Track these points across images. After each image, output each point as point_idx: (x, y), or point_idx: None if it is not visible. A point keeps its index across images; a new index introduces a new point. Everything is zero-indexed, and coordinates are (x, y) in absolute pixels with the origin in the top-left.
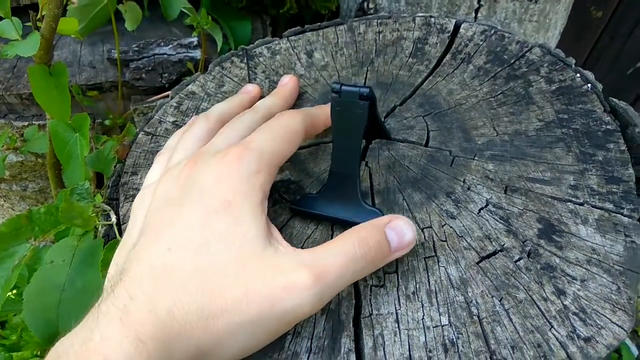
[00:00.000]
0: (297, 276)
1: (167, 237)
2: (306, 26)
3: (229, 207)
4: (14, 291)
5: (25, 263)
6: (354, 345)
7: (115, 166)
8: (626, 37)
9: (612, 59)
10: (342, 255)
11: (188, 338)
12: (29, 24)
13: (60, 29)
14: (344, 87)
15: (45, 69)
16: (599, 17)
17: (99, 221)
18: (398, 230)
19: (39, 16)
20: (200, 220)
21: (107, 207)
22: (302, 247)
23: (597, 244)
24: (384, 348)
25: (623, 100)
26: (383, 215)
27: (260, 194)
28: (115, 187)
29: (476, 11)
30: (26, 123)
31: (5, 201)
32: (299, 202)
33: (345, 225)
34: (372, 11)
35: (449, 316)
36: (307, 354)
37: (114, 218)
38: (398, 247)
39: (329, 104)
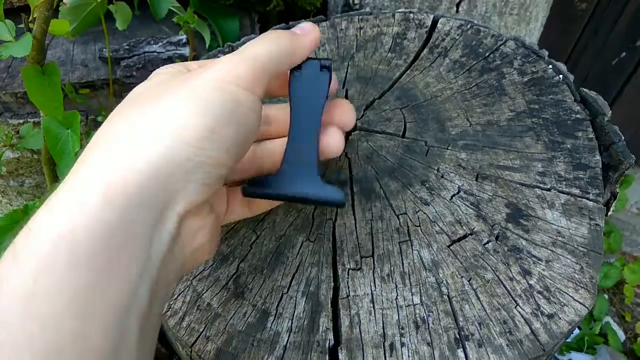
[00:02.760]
0: (231, 59)
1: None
2: (290, 23)
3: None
4: None
5: None
6: (332, 325)
7: None
8: (610, 28)
9: (597, 50)
10: (254, 41)
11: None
12: (22, 25)
13: (51, 30)
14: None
15: (38, 68)
16: (583, 9)
17: None
18: (296, 27)
19: (30, 18)
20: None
21: None
22: (284, 234)
23: (562, 227)
24: (359, 326)
25: (609, 90)
26: (343, 193)
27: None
28: None
29: (457, 5)
30: (21, 121)
31: (3, 197)
32: (254, 184)
33: (305, 202)
34: (357, 7)
35: (420, 296)
36: (288, 333)
37: None
38: (302, 32)
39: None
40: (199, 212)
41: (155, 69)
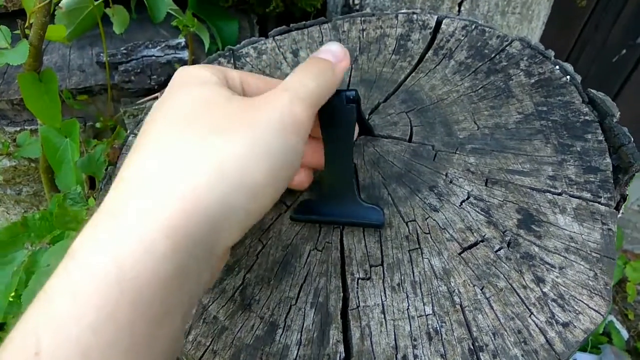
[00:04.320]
0: (279, 96)
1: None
2: (291, 25)
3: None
4: (12, 294)
5: (23, 268)
6: (342, 337)
7: (106, 169)
8: (611, 26)
9: (597, 48)
10: (298, 74)
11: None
12: (17, 31)
13: (48, 35)
14: None
15: (35, 76)
16: (584, 6)
17: None
18: (324, 50)
19: (26, 24)
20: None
21: None
22: (290, 243)
23: (575, 232)
24: (370, 338)
25: (609, 89)
26: (383, 211)
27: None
28: (108, 189)
29: (459, 5)
30: (18, 128)
31: None
32: (299, 210)
33: (348, 225)
34: (357, 7)
35: (432, 306)
36: (298, 346)
37: None
38: (334, 57)
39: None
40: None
41: (153, 74)
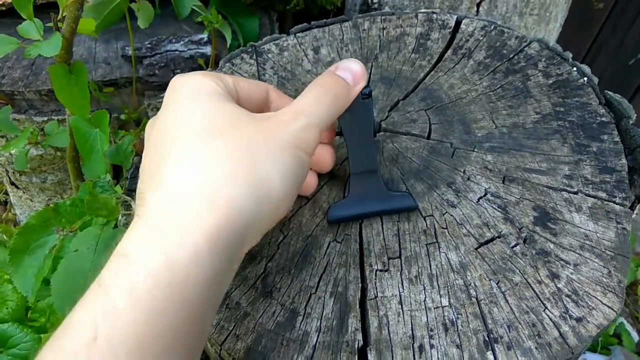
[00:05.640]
0: (295, 119)
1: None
2: (312, 23)
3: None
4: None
5: (55, 253)
6: (360, 325)
7: (133, 159)
8: (627, 29)
9: (613, 50)
10: (314, 97)
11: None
12: (49, 24)
13: (78, 29)
14: None
15: (65, 68)
16: (601, 8)
17: (120, 211)
18: (344, 67)
19: (59, 17)
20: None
21: (128, 198)
22: (311, 234)
23: (590, 230)
24: (388, 327)
25: (624, 91)
26: (411, 195)
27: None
28: (134, 178)
29: (478, 5)
30: (45, 118)
31: (24, 192)
32: (332, 212)
33: (385, 214)
34: (376, 6)
35: (449, 298)
36: (317, 333)
37: (134, 207)
38: (353, 79)
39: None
40: None
41: (177, 68)
